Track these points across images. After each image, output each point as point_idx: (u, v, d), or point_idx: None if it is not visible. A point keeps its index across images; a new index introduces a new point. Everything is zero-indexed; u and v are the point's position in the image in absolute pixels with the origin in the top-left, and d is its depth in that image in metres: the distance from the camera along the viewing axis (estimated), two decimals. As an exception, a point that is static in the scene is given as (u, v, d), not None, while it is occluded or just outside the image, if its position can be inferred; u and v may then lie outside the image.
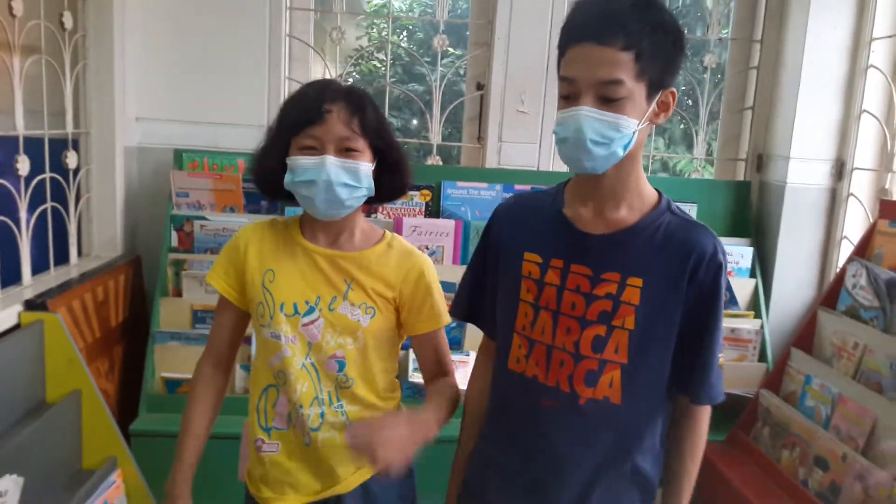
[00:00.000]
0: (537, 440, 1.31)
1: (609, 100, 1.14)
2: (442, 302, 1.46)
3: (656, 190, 1.31)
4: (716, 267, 1.23)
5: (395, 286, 1.42)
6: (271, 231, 1.45)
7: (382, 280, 1.41)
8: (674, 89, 1.21)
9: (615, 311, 1.23)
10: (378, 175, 1.39)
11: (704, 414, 1.33)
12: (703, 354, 1.26)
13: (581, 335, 1.25)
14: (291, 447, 1.42)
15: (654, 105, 1.19)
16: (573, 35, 1.17)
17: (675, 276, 1.23)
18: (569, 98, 1.18)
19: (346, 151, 1.32)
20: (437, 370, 1.50)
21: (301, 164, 1.32)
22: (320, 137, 1.31)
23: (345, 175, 1.32)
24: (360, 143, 1.34)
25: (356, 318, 1.39)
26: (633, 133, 1.17)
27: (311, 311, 1.38)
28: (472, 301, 1.44)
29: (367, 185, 1.36)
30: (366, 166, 1.35)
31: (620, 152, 1.18)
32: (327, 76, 2.93)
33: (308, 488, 1.43)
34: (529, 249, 1.31)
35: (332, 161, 1.31)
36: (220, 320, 1.48)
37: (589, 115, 1.14)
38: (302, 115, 1.32)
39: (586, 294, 1.25)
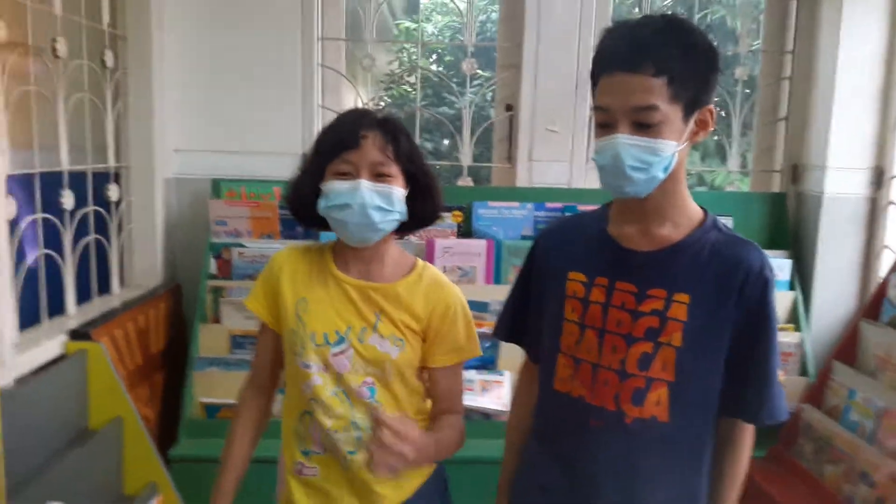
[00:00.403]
0: (585, 461, 1.30)
1: (645, 125, 1.15)
2: (468, 336, 1.45)
3: (702, 208, 1.30)
4: (763, 282, 1.22)
5: (422, 319, 1.42)
6: (305, 258, 1.46)
7: (410, 312, 1.41)
8: (711, 106, 1.21)
9: (662, 327, 1.22)
10: (411, 201, 1.40)
11: (750, 436, 1.31)
12: (760, 371, 1.23)
13: (627, 353, 1.24)
14: (330, 470, 1.43)
15: (691, 124, 1.19)
16: (604, 65, 1.18)
17: (722, 292, 1.22)
18: (605, 126, 1.19)
19: (379, 176, 1.35)
20: (448, 407, 1.48)
21: (335, 189, 1.34)
22: (355, 162, 1.34)
23: (378, 198, 1.34)
24: (394, 169, 1.36)
25: (385, 350, 1.40)
26: (673, 155, 1.17)
27: (340, 341, 1.39)
28: (514, 321, 1.44)
29: (399, 209, 1.37)
30: (399, 191, 1.37)
31: (661, 175, 1.18)
32: (359, 103, 2.99)
33: None
34: (574, 269, 1.32)
35: (366, 185, 1.33)
36: (262, 345, 1.50)
37: (626, 143, 1.15)
38: (338, 141, 1.35)
39: (632, 311, 1.24)
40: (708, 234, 1.25)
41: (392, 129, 1.37)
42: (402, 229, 1.45)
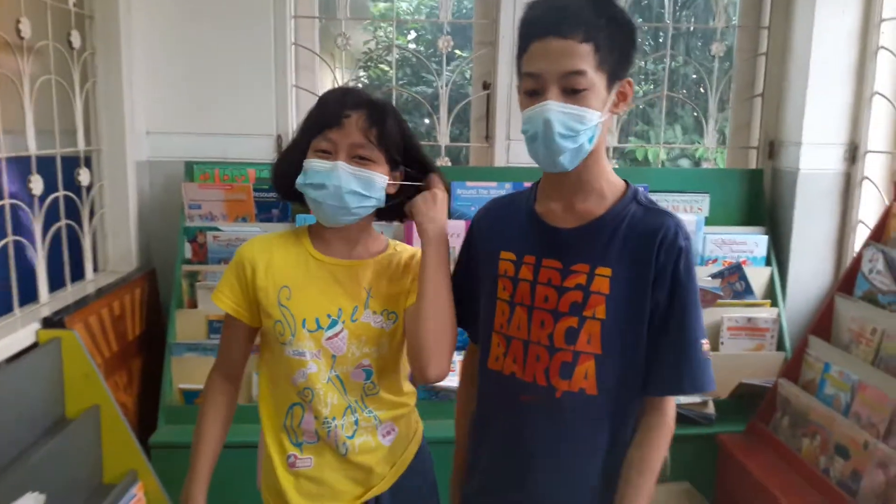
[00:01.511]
0: (518, 436, 1.33)
1: (573, 91, 1.18)
2: None
3: (624, 180, 1.34)
4: (677, 250, 1.24)
5: (406, 275, 1.43)
6: (280, 245, 1.43)
7: (397, 284, 1.42)
8: (630, 79, 1.26)
9: (585, 301, 1.26)
10: (405, 190, 1.40)
11: (665, 410, 1.29)
12: (677, 340, 1.25)
13: (554, 328, 1.27)
14: (326, 458, 1.41)
15: (613, 96, 1.23)
16: (533, 31, 1.22)
17: (640, 263, 1.25)
18: (534, 94, 1.21)
19: (359, 159, 1.33)
20: None
21: (314, 167, 1.33)
22: (335, 141, 1.32)
23: (355, 183, 1.32)
24: (375, 154, 1.34)
25: (379, 325, 1.40)
26: (597, 125, 1.21)
27: (333, 324, 1.38)
28: (460, 306, 1.42)
29: (377, 195, 1.36)
30: (380, 178, 1.35)
31: (587, 145, 1.22)
32: (335, 83, 2.94)
33: (349, 494, 1.43)
34: (505, 248, 1.35)
35: (343, 167, 1.31)
36: (230, 336, 1.47)
37: (556, 109, 1.18)
38: (321, 118, 1.34)
39: (557, 287, 1.28)
40: (628, 207, 1.29)
41: (379, 112, 1.34)
42: (395, 217, 1.47)
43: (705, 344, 1.27)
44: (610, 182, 1.31)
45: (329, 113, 1.33)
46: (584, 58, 1.17)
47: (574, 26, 1.17)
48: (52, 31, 2.24)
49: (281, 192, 1.45)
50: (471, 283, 1.42)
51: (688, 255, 1.26)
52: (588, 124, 1.19)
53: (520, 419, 1.32)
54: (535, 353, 1.29)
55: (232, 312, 1.42)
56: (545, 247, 1.30)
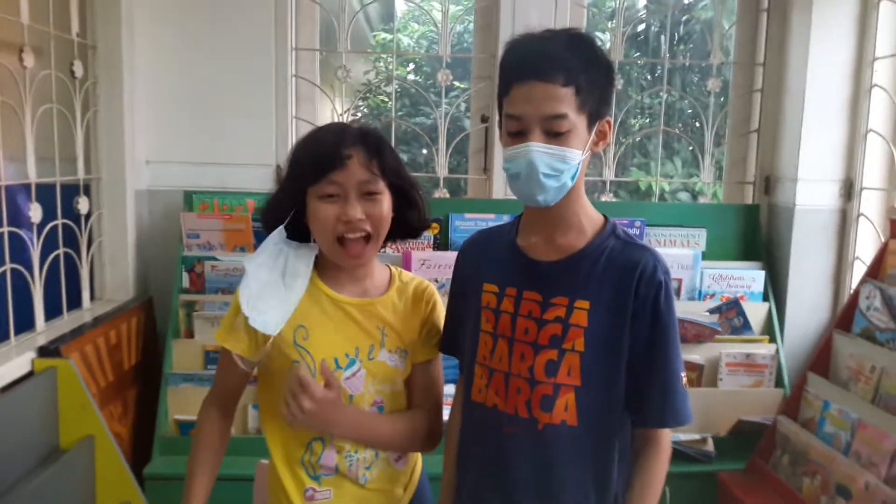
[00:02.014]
0: (502, 468, 1.33)
1: (555, 133, 1.21)
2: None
3: (603, 215, 1.36)
4: (656, 284, 1.26)
5: (416, 312, 1.43)
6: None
7: (409, 320, 1.42)
8: (609, 118, 1.29)
9: (565, 334, 1.27)
10: (399, 213, 1.39)
11: (661, 442, 1.31)
12: (659, 374, 1.28)
13: (535, 360, 1.28)
14: (345, 489, 1.40)
15: (593, 135, 1.26)
16: (515, 74, 1.24)
17: (619, 296, 1.27)
18: (517, 135, 1.24)
19: (367, 195, 1.33)
20: (422, 401, 1.47)
21: (325, 215, 1.33)
22: (342, 183, 1.30)
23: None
24: (381, 185, 1.34)
25: (395, 364, 1.41)
26: (579, 163, 1.24)
27: (352, 363, 1.37)
28: (451, 335, 1.46)
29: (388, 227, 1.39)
30: (388, 210, 1.37)
31: (569, 183, 1.24)
32: (335, 114, 2.96)
33: None
34: (487, 280, 1.37)
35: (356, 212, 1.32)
36: (228, 372, 1.44)
37: (539, 150, 1.21)
38: (321, 162, 1.31)
39: (537, 319, 1.29)
40: (607, 241, 1.31)
41: (375, 143, 1.34)
42: (391, 238, 1.44)
43: (684, 377, 1.30)
44: (589, 216, 1.33)
45: (329, 155, 1.30)
46: (565, 101, 1.20)
47: (555, 70, 1.19)
48: (54, 61, 2.26)
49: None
50: (460, 313, 1.43)
51: (667, 289, 1.28)
52: (570, 163, 1.22)
53: (504, 450, 1.33)
54: (517, 386, 1.30)
55: (242, 353, 1.38)
56: (526, 279, 1.32)
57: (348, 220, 1.31)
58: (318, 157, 1.32)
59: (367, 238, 1.35)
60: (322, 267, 1.42)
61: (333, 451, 1.37)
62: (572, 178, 1.24)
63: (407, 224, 1.42)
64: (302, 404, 1.26)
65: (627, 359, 1.28)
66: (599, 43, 1.29)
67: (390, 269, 1.49)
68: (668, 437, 1.32)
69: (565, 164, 1.22)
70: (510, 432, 1.31)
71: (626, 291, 1.26)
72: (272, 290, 1.36)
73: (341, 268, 1.39)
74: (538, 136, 1.21)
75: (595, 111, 1.24)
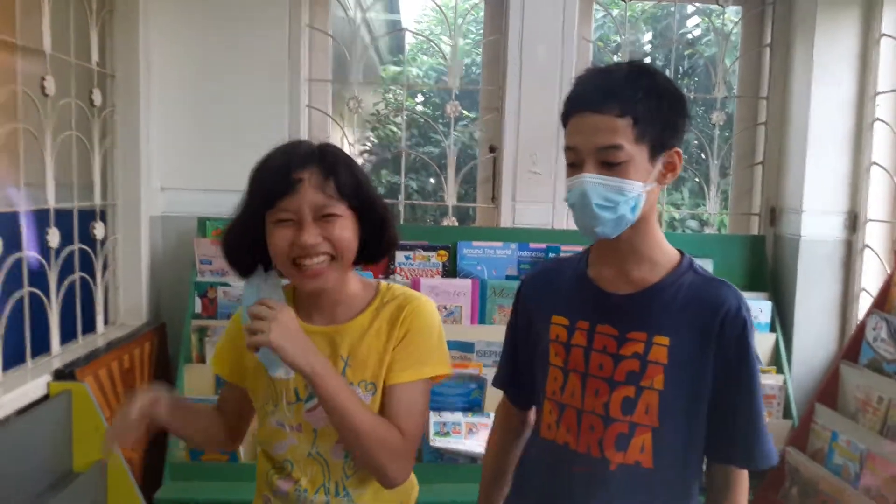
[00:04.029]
0: None
1: (610, 164, 1.18)
2: (436, 351, 1.33)
3: (678, 249, 1.32)
4: (742, 322, 1.22)
5: (391, 337, 1.30)
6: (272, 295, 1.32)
7: (379, 347, 1.30)
8: (679, 149, 1.24)
9: (643, 370, 1.22)
10: (363, 234, 1.29)
11: (744, 480, 1.29)
12: (746, 414, 1.23)
13: (610, 397, 1.24)
14: None
15: (659, 166, 1.22)
16: (573, 106, 1.23)
17: (701, 334, 1.22)
18: (574, 166, 1.22)
19: (325, 217, 1.23)
20: (396, 425, 1.29)
21: (280, 241, 1.24)
22: (295, 209, 1.22)
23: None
24: (340, 207, 1.24)
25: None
26: (640, 195, 1.20)
27: (311, 396, 1.27)
28: (508, 371, 1.44)
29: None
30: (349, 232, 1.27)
31: (629, 215, 1.20)
32: (346, 142, 3.01)
33: None
34: (556, 312, 1.32)
35: (310, 237, 1.22)
36: (224, 393, 1.44)
37: (591, 181, 1.18)
38: (272, 187, 1.22)
39: (613, 354, 1.25)
40: (685, 276, 1.26)
41: (330, 162, 1.24)
42: (358, 262, 1.33)
43: (766, 416, 1.26)
44: (664, 251, 1.29)
45: (279, 180, 1.21)
46: (620, 132, 1.17)
47: (610, 101, 1.17)
48: (75, 89, 2.31)
49: (239, 268, 1.33)
50: (515, 347, 1.42)
51: (751, 327, 1.23)
52: (628, 195, 1.18)
53: (571, 491, 1.28)
54: (589, 423, 1.26)
55: (227, 377, 1.39)
56: (599, 312, 1.27)
57: (302, 245, 1.22)
58: (267, 182, 1.24)
59: (332, 259, 1.25)
60: (298, 295, 1.36)
61: (291, 481, 1.31)
62: (632, 209, 1.20)
63: (373, 245, 1.31)
64: (261, 313, 1.17)
65: (710, 398, 1.23)
66: (665, 75, 1.26)
67: (378, 288, 1.37)
68: (747, 477, 1.28)
69: (622, 196, 1.18)
70: (580, 472, 1.27)
71: (709, 329, 1.21)
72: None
73: (309, 295, 1.31)
74: (592, 167, 1.19)
75: (658, 142, 1.20)
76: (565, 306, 1.32)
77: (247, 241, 1.28)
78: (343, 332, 1.30)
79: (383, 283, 1.38)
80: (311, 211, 1.22)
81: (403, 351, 1.30)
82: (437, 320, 1.35)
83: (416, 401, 1.30)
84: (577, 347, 1.28)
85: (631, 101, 1.17)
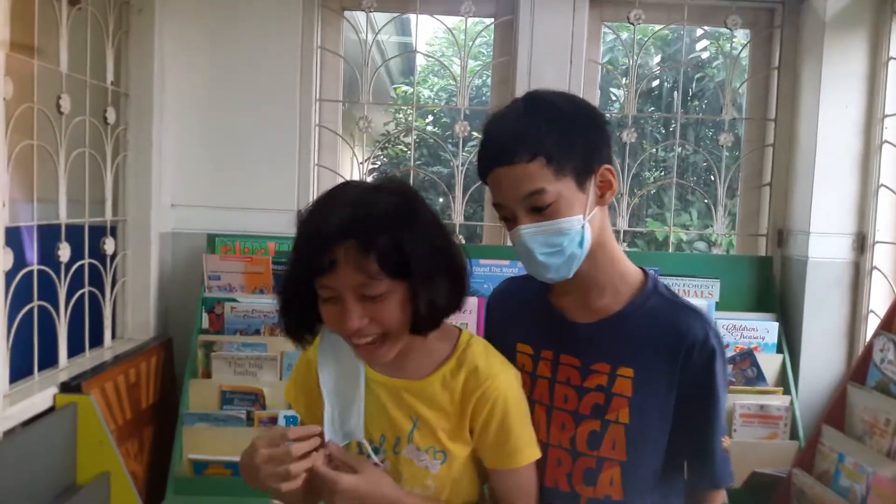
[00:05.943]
0: None
1: (540, 209, 1.14)
2: (524, 433, 1.21)
3: (641, 269, 1.29)
4: (709, 352, 1.18)
5: (464, 413, 1.19)
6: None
7: (451, 418, 1.19)
8: (608, 165, 1.19)
9: (608, 404, 1.20)
10: (424, 296, 1.12)
11: (717, 500, 1.27)
12: (705, 442, 1.21)
13: (576, 431, 1.21)
14: None
15: (592, 190, 1.17)
16: (484, 164, 1.19)
17: (666, 364, 1.19)
18: (508, 220, 1.19)
19: (368, 300, 1.10)
20: None
21: (327, 318, 1.16)
22: (335, 288, 1.10)
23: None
24: (382, 286, 1.09)
25: (423, 465, 1.19)
26: (582, 228, 1.16)
27: (376, 451, 1.20)
28: None
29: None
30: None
31: (578, 251, 1.16)
32: (355, 161, 3.04)
33: None
34: (521, 340, 1.29)
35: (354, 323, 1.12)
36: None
37: (528, 232, 1.15)
38: (309, 263, 1.11)
39: (577, 387, 1.22)
40: (649, 300, 1.23)
41: (367, 234, 1.07)
42: (418, 329, 1.17)
43: (725, 440, 1.23)
44: (624, 275, 1.25)
45: (316, 260, 1.09)
46: (537, 176, 1.12)
47: (516, 148, 1.12)
48: (89, 107, 2.36)
49: (296, 337, 1.21)
50: None
51: (721, 355, 1.19)
52: (570, 233, 1.14)
53: None
54: (556, 457, 1.23)
55: (301, 415, 1.32)
56: (563, 342, 1.24)
57: (347, 330, 1.12)
58: (303, 257, 1.12)
59: (383, 335, 1.14)
60: None
61: None
62: (579, 245, 1.15)
63: (431, 307, 1.14)
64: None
65: (672, 424, 1.21)
66: (564, 95, 1.21)
67: (457, 343, 1.23)
68: (723, 495, 1.27)
69: (564, 236, 1.14)
70: None
71: (674, 360, 1.18)
72: (334, 401, 1.21)
73: None
74: (525, 218, 1.14)
75: (581, 168, 1.15)
76: (529, 334, 1.29)
77: (306, 307, 1.17)
78: (413, 391, 1.20)
79: (463, 334, 1.26)
80: (352, 291, 1.09)
81: (493, 436, 1.19)
82: (518, 398, 1.23)
83: (521, 484, 1.23)
84: (542, 378, 1.26)
85: (536, 141, 1.12)
